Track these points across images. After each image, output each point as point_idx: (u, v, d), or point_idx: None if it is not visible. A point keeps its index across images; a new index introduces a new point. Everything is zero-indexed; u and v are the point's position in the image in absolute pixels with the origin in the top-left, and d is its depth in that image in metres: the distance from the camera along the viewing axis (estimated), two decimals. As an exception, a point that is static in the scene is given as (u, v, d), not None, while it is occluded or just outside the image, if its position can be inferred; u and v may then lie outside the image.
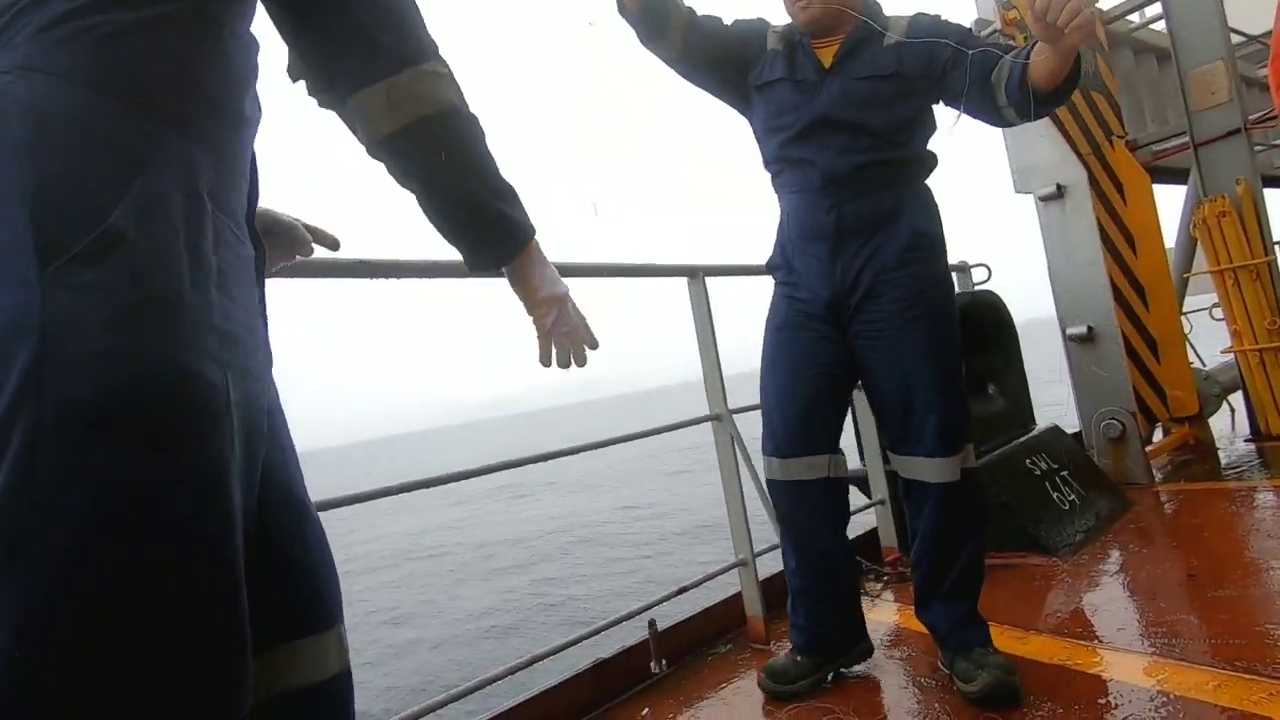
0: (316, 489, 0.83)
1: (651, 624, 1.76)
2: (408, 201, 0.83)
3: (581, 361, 0.91)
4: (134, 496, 0.52)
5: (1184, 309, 3.63)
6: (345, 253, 1.02)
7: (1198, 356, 3.66)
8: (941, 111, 1.54)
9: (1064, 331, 3.26)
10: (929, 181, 1.57)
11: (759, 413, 1.70)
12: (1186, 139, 3.42)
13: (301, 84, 0.77)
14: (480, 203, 0.77)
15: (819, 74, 1.50)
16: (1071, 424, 3.21)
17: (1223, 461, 3.19)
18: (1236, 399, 3.67)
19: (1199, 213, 3.35)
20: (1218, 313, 3.47)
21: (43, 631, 0.49)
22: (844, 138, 1.48)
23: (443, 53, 0.75)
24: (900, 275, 1.47)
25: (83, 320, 0.51)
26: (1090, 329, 3.16)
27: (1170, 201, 3.95)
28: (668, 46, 1.51)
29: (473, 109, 0.77)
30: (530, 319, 0.87)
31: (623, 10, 1.47)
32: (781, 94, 1.53)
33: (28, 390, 0.50)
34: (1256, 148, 3.44)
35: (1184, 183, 3.74)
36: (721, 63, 1.57)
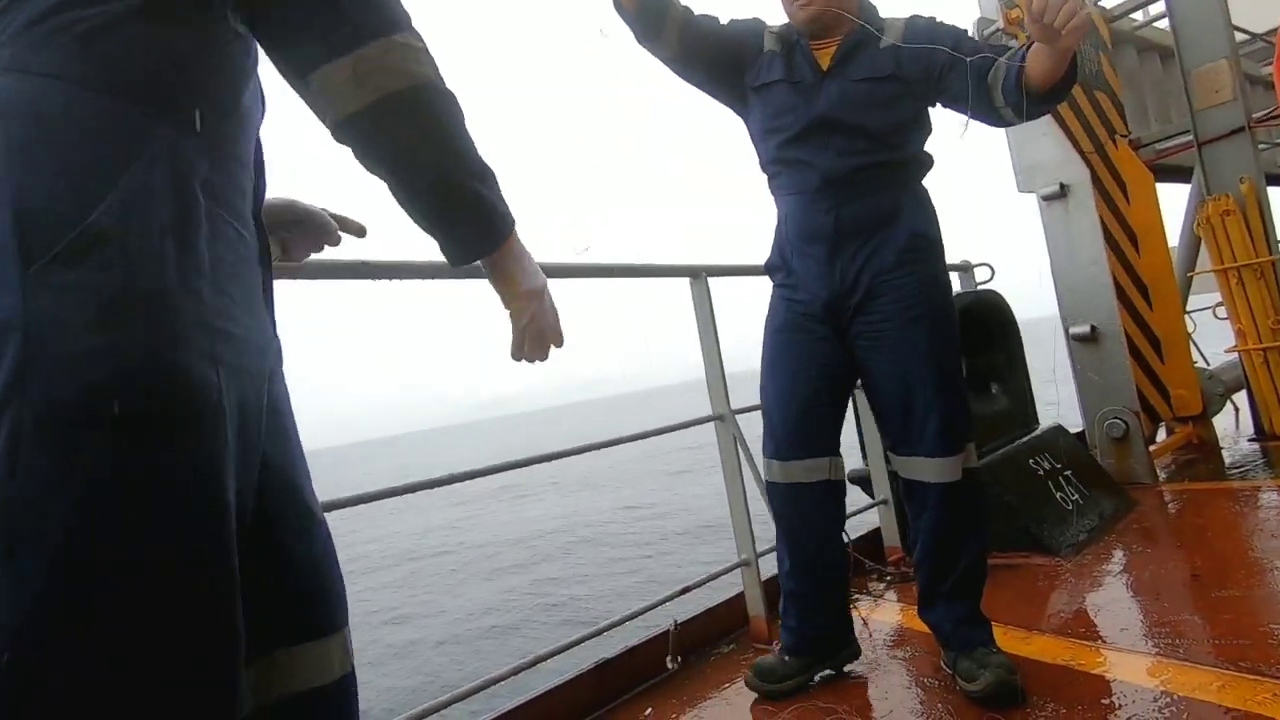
0: (316, 489, 0.83)
1: (675, 622, 1.81)
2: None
3: (545, 358, 0.86)
4: (123, 496, 0.52)
5: (1188, 308, 3.62)
6: (346, 253, 1.01)
7: (1201, 356, 3.65)
8: (943, 115, 1.55)
9: (1067, 331, 3.25)
10: (925, 182, 1.57)
11: (761, 413, 1.70)
12: (1190, 137, 3.41)
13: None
14: (459, 185, 0.69)
15: (817, 76, 1.50)
16: (1071, 423, 3.20)
17: (1227, 461, 3.18)
18: (1240, 398, 3.66)
19: (1202, 211, 3.35)
20: (1221, 312, 3.46)
21: (35, 631, 0.49)
22: (842, 140, 1.48)
23: (417, 26, 0.68)
24: (899, 276, 1.47)
25: (65, 320, 0.51)
26: (1093, 328, 3.16)
27: (1174, 200, 3.94)
28: (664, 46, 1.50)
29: (449, 86, 0.70)
30: (507, 313, 0.82)
31: (619, 9, 1.47)
32: (779, 95, 1.53)
33: (11, 391, 0.50)
34: (1260, 146, 3.43)
35: (1187, 181, 3.73)
36: (718, 62, 1.56)
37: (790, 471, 1.57)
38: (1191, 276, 3.80)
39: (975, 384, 2.88)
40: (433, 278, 1.36)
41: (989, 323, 2.82)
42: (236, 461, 0.60)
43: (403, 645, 7.75)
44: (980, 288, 2.98)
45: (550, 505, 15.51)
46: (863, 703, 1.51)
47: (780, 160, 1.55)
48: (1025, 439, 2.71)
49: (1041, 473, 2.53)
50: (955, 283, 3.08)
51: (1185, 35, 3.36)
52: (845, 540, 1.64)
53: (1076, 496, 2.51)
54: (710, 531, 9.65)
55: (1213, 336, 3.63)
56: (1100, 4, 3.59)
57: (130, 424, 0.52)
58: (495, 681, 1.46)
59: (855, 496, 2.25)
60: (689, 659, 1.84)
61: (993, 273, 3.01)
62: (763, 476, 1.67)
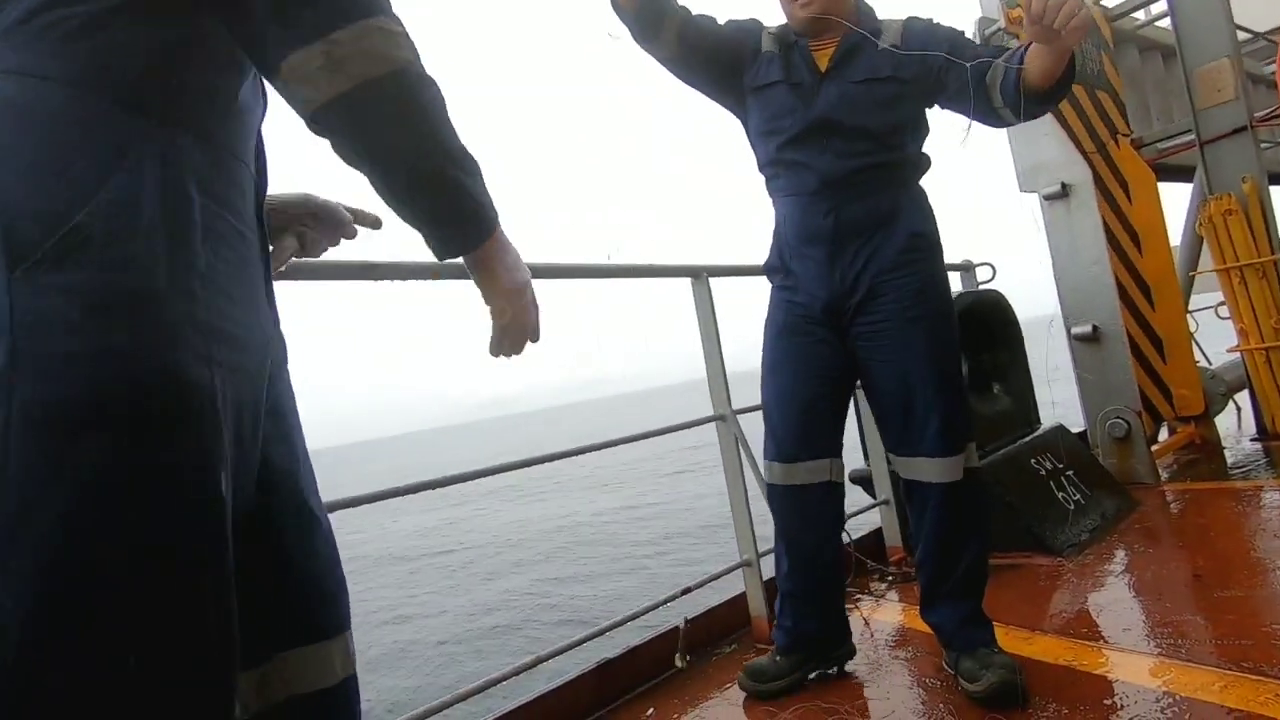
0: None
1: (685, 619, 1.83)
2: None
3: (521, 354, 0.83)
4: (114, 496, 0.51)
5: (1190, 307, 3.61)
6: (349, 254, 1.01)
7: (1204, 355, 3.64)
8: (944, 118, 1.55)
9: (1069, 331, 3.24)
10: (925, 181, 1.58)
11: (762, 414, 1.70)
12: (1192, 136, 3.41)
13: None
14: (441, 174, 0.66)
15: (815, 77, 1.50)
16: (1073, 423, 3.19)
17: (1229, 461, 3.18)
18: (1243, 398, 3.65)
19: (1205, 211, 3.34)
20: (1224, 311, 3.45)
21: (22, 634, 0.49)
22: (841, 141, 1.48)
23: (396, 10, 0.65)
24: (899, 276, 1.47)
25: (51, 322, 0.51)
26: (1095, 328, 3.15)
27: (1176, 200, 3.93)
28: (663, 45, 1.50)
29: (431, 72, 0.66)
30: (489, 309, 0.78)
31: (617, 8, 1.46)
32: (778, 97, 1.52)
33: (0, 393, 0.50)
34: (1263, 145, 3.42)
35: (1190, 181, 3.72)
36: (716, 63, 1.56)
37: (791, 474, 1.57)
38: (1194, 276, 3.79)
39: (977, 384, 2.88)
40: (436, 278, 1.35)
41: (991, 322, 2.82)
42: (234, 461, 0.59)
43: (403, 645, 7.75)
44: (982, 287, 2.98)
45: (551, 505, 15.51)
46: (864, 703, 1.51)
47: (778, 162, 1.55)
48: (1027, 439, 2.71)
49: (1043, 473, 2.53)
50: (957, 282, 3.09)
51: (1187, 34, 3.35)
52: (844, 541, 1.64)
53: (1078, 496, 2.51)
54: (712, 532, 9.65)
55: (1215, 336, 3.62)
56: (1102, 3, 3.58)
57: (121, 424, 0.52)
58: (496, 682, 1.45)
59: (857, 496, 2.25)
60: (691, 659, 1.84)
61: (994, 272, 3.01)
62: (764, 478, 1.67)
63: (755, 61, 1.55)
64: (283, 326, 0.76)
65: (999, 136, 3.43)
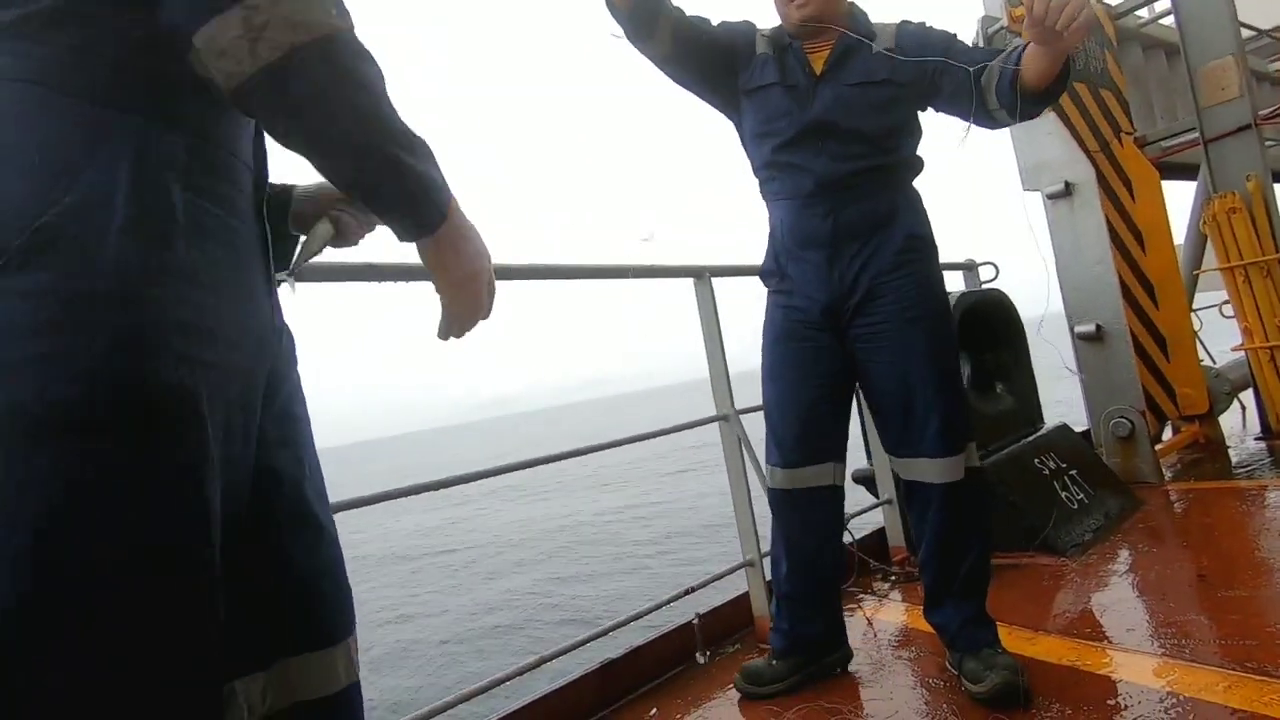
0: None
1: (698, 615, 1.85)
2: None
3: (468, 333, 0.77)
4: (87, 499, 0.51)
5: (1194, 306, 3.60)
6: (353, 256, 1.01)
7: (1208, 354, 3.63)
8: (942, 120, 1.55)
9: (1072, 330, 3.24)
10: (924, 180, 1.58)
11: (763, 415, 1.70)
12: (1196, 135, 3.39)
13: None
14: (382, 155, 0.60)
15: (810, 79, 1.50)
16: (1076, 422, 3.18)
17: (1233, 460, 3.17)
18: (1247, 397, 3.64)
19: (1209, 209, 3.33)
20: (1228, 310, 3.44)
21: (4, 634, 0.48)
22: (836, 144, 1.48)
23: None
24: (898, 277, 1.48)
25: (17, 325, 0.50)
26: (1099, 327, 3.14)
27: (1180, 198, 3.92)
28: (657, 45, 1.50)
29: (366, 42, 0.60)
30: (441, 293, 0.73)
31: (612, 8, 1.46)
32: (773, 99, 1.52)
33: None
34: (1267, 143, 3.40)
35: (1193, 179, 3.71)
36: (710, 64, 1.55)
37: (794, 478, 1.57)
38: (1197, 274, 3.78)
39: (980, 383, 2.87)
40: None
41: (993, 322, 2.81)
42: (223, 461, 0.58)
43: (406, 645, 7.76)
44: (985, 287, 2.97)
45: (553, 504, 15.52)
46: (867, 703, 1.51)
47: (773, 164, 1.55)
48: (1030, 438, 2.70)
49: (1047, 472, 2.52)
50: (960, 281, 3.08)
51: (1191, 32, 3.34)
52: (846, 542, 1.64)
53: (1082, 496, 2.50)
54: (714, 532, 9.65)
55: (1219, 335, 3.61)
56: (1105, 1, 3.57)
57: (92, 427, 0.51)
58: (499, 682, 1.45)
59: (860, 496, 2.25)
60: (691, 659, 1.84)
61: (997, 271, 3.00)
62: (766, 483, 1.67)
63: (750, 63, 1.55)
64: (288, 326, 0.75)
65: (1001, 135, 3.42)
